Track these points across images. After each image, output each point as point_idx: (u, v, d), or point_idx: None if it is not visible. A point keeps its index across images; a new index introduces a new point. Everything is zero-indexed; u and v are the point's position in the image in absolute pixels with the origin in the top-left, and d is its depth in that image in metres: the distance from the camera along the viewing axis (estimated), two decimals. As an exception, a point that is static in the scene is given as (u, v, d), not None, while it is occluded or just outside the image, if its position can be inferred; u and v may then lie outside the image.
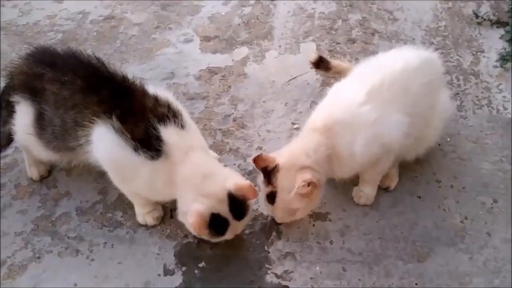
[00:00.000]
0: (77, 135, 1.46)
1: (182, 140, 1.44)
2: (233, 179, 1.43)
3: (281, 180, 1.46)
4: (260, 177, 1.52)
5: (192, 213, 1.36)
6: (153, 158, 1.39)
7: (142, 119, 1.40)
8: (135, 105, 1.43)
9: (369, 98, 1.47)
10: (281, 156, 1.49)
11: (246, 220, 1.50)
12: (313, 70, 2.18)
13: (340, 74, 2.02)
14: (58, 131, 1.50)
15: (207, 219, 1.38)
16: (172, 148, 1.40)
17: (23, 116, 1.54)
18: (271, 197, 1.49)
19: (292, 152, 1.49)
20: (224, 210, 1.40)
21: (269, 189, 1.48)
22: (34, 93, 1.50)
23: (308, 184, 1.40)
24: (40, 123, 1.52)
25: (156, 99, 1.46)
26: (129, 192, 1.57)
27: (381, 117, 1.46)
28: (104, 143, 1.42)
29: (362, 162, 1.51)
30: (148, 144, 1.39)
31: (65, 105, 1.46)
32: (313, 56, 2.04)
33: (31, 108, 1.52)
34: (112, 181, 1.53)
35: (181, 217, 1.49)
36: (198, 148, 1.48)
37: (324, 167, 1.49)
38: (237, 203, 1.42)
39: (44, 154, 1.61)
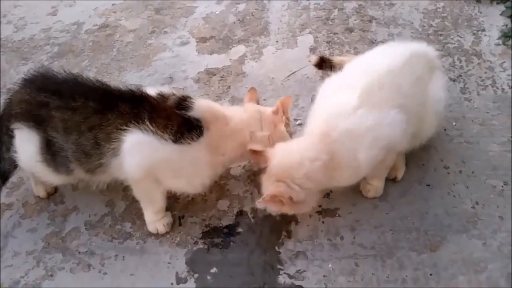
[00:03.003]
0: (101, 151, 1.47)
1: (208, 106, 1.54)
2: None
3: (263, 182, 1.47)
4: None
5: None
6: (199, 136, 1.46)
7: (168, 113, 1.46)
8: (154, 106, 1.48)
9: (362, 102, 1.43)
10: (276, 157, 1.45)
11: None
12: (311, 62, 2.18)
13: None
14: (72, 156, 1.50)
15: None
16: (207, 118, 1.49)
17: (28, 144, 1.53)
18: None
19: (286, 159, 1.44)
20: None
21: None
22: (39, 122, 1.50)
23: (275, 198, 1.40)
24: (50, 150, 1.52)
25: (162, 94, 1.52)
26: (155, 195, 1.57)
27: (378, 118, 1.42)
28: (142, 149, 1.44)
29: (366, 168, 1.47)
30: (187, 129, 1.45)
31: (79, 129, 1.47)
32: (314, 59, 2.02)
33: (37, 136, 1.51)
34: (141, 189, 1.55)
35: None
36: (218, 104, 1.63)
37: (318, 177, 1.43)
38: None
39: (55, 178, 1.61)
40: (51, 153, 1.52)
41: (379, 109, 1.43)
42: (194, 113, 1.47)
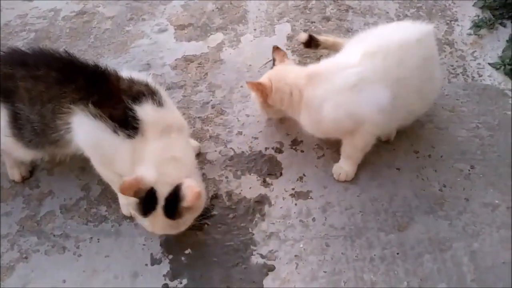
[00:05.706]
0: (56, 125, 1.46)
1: (159, 117, 1.43)
2: (193, 180, 1.38)
3: None
4: None
5: (133, 174, 1.35)
6: (130, 136, 1.39)
7: (118, 101, 1.42)
8: (111, 89, 1.45)
9: (362, 61, 1.53)
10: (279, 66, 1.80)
11: (168, 226, 1.42)
12: (289, 50, 2.22)
13: (328, 48, 2.05)
14: (38, 127, 1.50)
15: (142, 187, 1.34)
16: (147, 125, 1.40)
17: None
18: None
19: (281, 70, 1.76)
20: (162, 194, 1.36)
21: None
22: (6, 95, 1.49)
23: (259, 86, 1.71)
24: (17, 123, 1.51)
25: (131, 81, 1.48)
26: (112, 177, 1.56)
27: (360, 86, 1.51)
28: (83, 129, 1.43)
29: (326, 123, 1.58)
30: (126, 123, 1.40)
31: (41, 99, 1.46)
32: (303, 36, 2.04)
33: (5, 110, 1.50)
34: (95, 167, 1.54)
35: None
36: (177, 128, 1.48)
37: (284, 98, 1.67)
38: (175, 201, 1.36)
39: (26, 154, 1.61)
40: (18, 126, 1.51)
41: (374, 75, 1.52)
42: (138, 112, 1.40)
